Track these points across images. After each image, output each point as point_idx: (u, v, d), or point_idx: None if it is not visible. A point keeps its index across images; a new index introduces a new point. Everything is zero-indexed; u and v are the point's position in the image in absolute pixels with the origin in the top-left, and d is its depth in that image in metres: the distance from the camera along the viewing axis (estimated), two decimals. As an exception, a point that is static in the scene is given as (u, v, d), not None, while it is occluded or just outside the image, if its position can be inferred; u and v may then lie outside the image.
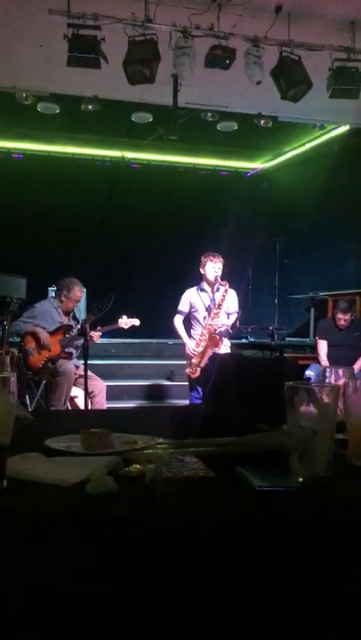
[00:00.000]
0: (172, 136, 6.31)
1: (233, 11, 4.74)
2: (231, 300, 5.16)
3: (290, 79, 4.94)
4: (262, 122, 7.15)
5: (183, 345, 5.27)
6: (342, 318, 5.90)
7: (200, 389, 5.04)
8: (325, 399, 1.05)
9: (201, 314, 5.16)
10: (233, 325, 5.23)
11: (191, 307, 5.23)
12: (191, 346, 5.14)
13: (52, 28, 4.70)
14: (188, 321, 5.29)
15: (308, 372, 5.68)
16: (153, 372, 7.30)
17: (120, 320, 5.34)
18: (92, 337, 4.91)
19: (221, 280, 5.06)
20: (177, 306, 5.31)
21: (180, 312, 5.28)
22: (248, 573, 0.89)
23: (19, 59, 5.49)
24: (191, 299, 5.23)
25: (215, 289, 5.12)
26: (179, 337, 5.32)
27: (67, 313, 5.37)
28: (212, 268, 5.11)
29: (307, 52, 4.96)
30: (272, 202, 9.76)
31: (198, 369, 5.07)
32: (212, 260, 5.13)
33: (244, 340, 8.56)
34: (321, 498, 0.99)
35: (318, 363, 6.03)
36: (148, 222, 9.14)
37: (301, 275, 9.15)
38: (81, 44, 4.61)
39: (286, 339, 8.83)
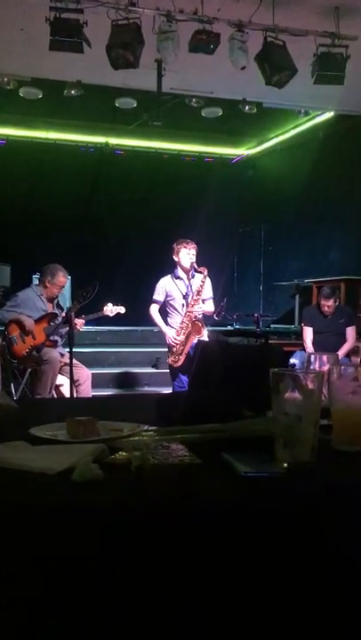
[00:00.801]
0: (157, 122, 6.27)
1: (217, -5, 4.69)
2: (207, 286, 5.14)
3: (274, 65, 4.92)
4: (247, 108, 7.12)
5: (164, 334, 5.24)
6: (326, 304, 5.93)
7: (183, 378, 5.03)
8: (310, 385, 1.05)
9: (178, 302, 5.12)
10: (218, 313, 5.22)
11: (167, 295, 5.17)
12: (172, 335, 5.09)
13: (34, 11, 4.62)
14: (165, 310, 5.25)
15: (293, 360, 5.70)
16: (138, 359, 7.30)
17: (105, 308, 5.32)
18: (75, 324, 4.90)
19: (199, 266, 5.02)
20: (152, 295, 5.26)
21: (156, 301, 5.21)
22: (235, 559, 0.89)
23: (0, 43, 5.40)
24: (167, 287, 5.18)
25: (190, 275, 5.09)
26: (156, 326, 5.29)
27: (51, 300, 5.33)
28: (187, 254, 5.06)
29: (291, 38, 4.93)
30: (257, 188, 9.75)
31: (181, 357, 5.04)
32: (186, 247, 5.08)
33: (229, 327, 8.58)
34: (306, 483, 1.00)
35: (303, 350, 6.06)
36: (133, 209, 9.10)
37: (286, 261, 9.17)
38: (63, 27, 4.54)
39: (271, 325, 8.86)
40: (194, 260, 5.06)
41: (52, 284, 5.26)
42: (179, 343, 5.03)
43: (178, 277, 5.16)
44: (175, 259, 5.16)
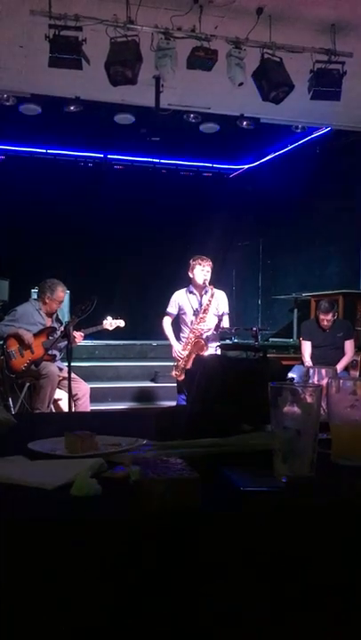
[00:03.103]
0: (155, 137, 6.31)
1: (215, 12, 4.75)
2: (222, 302, 5.16)
3: (271, 81, 4.96)
4: (245, 123, 7.17)
5: (169, 347, 5.27)
6: (324, 319, 5.93)
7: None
8: (309, 399, 1.05)
9: (189, 317, 5.15)
10: (216, 326, 5.22)
11: (180, 309, 5.21)
12: (178, 349, 5.13)
13: (34, 28, 4.68)
14: (178, 324, 5.29)
15: (291, 374, 5.67)
16: (137, 373, 7.28)
17: (104, 321, 5.32)
18: (74, 338, 4.89)
19: (208, 283, 5.03)
20: (165, 307, 5.30)
21: (169, 314, 5.27)
22: (234, 574, 0.89)
23: (0, 59, 5.46)
24: (179, 301, 5.22)
25: (204, 292, 5.10)
26: (167, 339, 5.32)
27: (49, 314, 5.34)
28: (201, 271, 5.08)
29: (288, 54, 4.98)
30: (255, 203, 9.80)
31: (184, 372, 5.06)
32: (200, 264, 5.10)
33: (227, 341, 8.57)
34: (305, 497, 0.99)
35: (302, 364, 6.05)
36: (131, 224, 9.13)
37: (285, 275, 9.20)
38: (62, 44, 4.59)
39: (270, 339, 8.86)
40: (208, 277, 5.07)
41: (52, 299, 5.27)
42: (183, 358, 5.06)
43: (191, 292, 5.20)
44: (190, 274, 5.19)
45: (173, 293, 5.33)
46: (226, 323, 5.22)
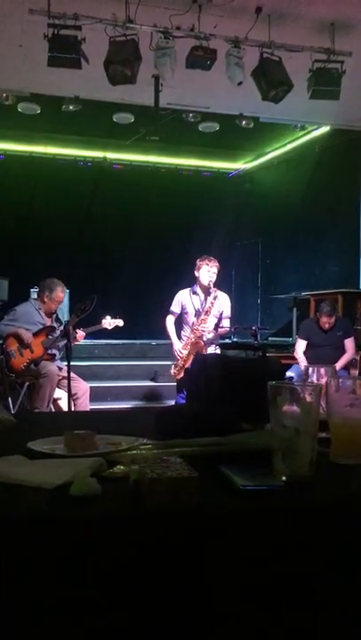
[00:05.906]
0: (154, 137, 6.31)
1: (214, 11, 4.75)
2: (225, 304, 5.16)
3: (271, 80, 4.97)
4: (244, 122, 7.17)
5: (169, 345, 5.28)
6: (326, 322, 5.91)
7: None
8: (308, 398, 1.05)
9: (191, 317, 5.15)
10: (216, 326, 5.21)
11: (182, 308, 5.22)
12: (178, 347, 5.14)
13: (33, 27, 4.67)
14: (180, 323, 5.30)
15: (290, 373, 5.68)
16: (137, 373, 7.28)
17: (103, 320, 5.33)
18: (76, 337, 4.90)
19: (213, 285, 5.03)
20: (166, 306, 5.31)
21: (172, 312, 5.27)
22: (232, 574, 0.89)
23: (-1, 59, 5.46)
24: (183, 300, 5.22)
25: (208, 293, 5.08)
26: (168, 337, 5.32)
27: (49, 314, 5.33)
28: (207, 272, 5.06)
29: (287, 53, 4.98)
30: (254, 202, 9.80)
31: (182, 371, 5.07)
32: (207, 264, 5.08)
33: (227, 340, 8.58)
34: (304, 496, 0.99)
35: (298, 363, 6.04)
36: (130, 223, 9.13)
37: (284, 275, 9.20)
38: (61, 44, 4.59)
39: (269, 338, 8.86)
40: (213, 278, 5.05)
41: (51, 299, 5.26)
42: (182, 357, 5.06)
43: (195, 293, 5.19)
44: (196, 274, 5.18)
45: (176, 293, 5.32)
46: (226, 325, 5.21)
